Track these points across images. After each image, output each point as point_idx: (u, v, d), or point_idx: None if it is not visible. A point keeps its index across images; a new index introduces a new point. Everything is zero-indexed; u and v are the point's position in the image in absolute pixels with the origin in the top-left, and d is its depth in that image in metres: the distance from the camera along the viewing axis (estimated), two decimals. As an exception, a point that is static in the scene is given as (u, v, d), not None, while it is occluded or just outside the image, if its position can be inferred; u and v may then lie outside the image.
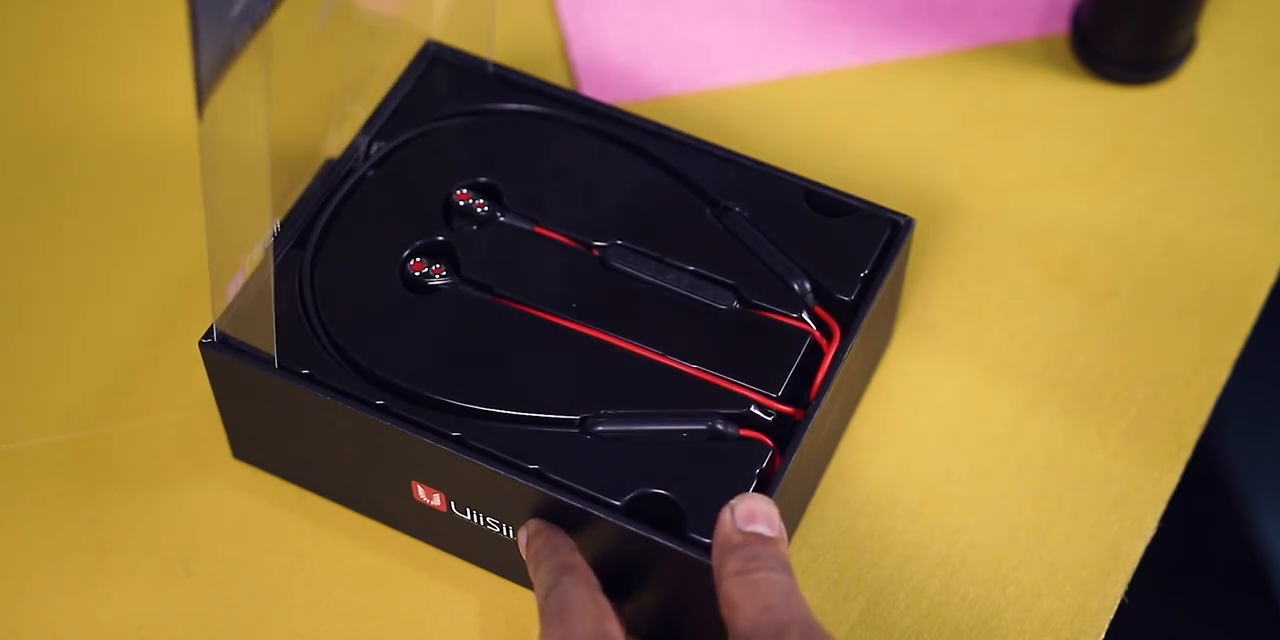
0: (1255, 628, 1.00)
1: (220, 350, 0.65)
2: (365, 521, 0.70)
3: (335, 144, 0.70)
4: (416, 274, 0.67)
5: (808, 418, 0.64)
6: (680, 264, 0.67)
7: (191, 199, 0.78)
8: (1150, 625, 0.97)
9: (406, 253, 0.68)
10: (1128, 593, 0.70)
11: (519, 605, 0.68)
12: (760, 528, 0.58)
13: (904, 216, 0.69)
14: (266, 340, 0.64)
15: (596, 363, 0.65)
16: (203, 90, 0.53)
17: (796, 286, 0.67)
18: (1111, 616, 0.69)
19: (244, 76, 0.55)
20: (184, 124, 0.80)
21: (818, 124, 0.81)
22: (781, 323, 0.66)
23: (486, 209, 0.68)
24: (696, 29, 0.84)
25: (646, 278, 0.67)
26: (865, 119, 0.82)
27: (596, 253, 0.68)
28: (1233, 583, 1.01)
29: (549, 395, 0.64)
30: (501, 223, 0.69)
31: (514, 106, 0.71)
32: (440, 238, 0.68)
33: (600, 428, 0.64)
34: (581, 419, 0.64)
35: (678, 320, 0.66)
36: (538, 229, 0.68)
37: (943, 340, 0.76)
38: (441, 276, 0.67)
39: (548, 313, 0.66)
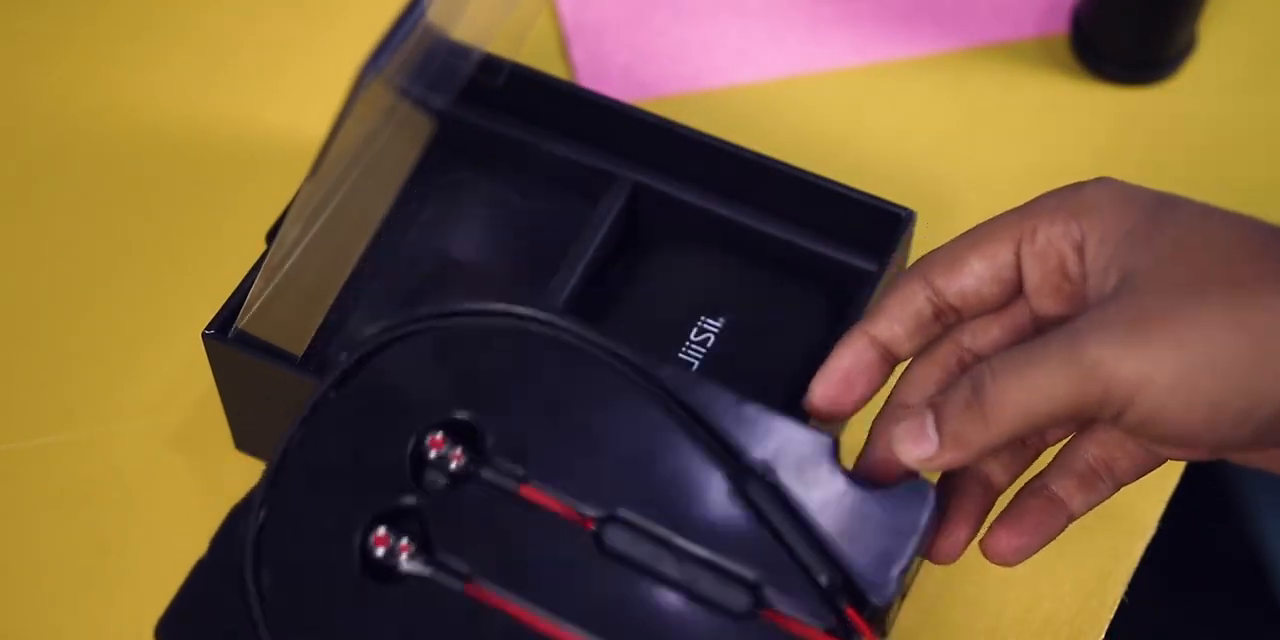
0: (1255, 628, 1.00)
1: (224, 342, 0.65)
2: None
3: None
4: (380, 552, 0.55)
5: None
6: (691, 547, 0.56)
7: (191, 198, 0.78)
8: (1150, 625, 0.97)
9: (368, 523, 0.56)
10: (1128, 593, 0.70)
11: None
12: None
13: (905, 209, 0.69)
14: (293, 339, 0.64)
15: None
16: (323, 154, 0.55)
17: (825, 581, 0.55)
18: (1111, 616, 0.69)
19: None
20: (184, 123, 0.80)
21: (818, 124, 0.81)
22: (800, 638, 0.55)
23: (463, 462, 0.57)
24: (696, 29, 0.84)
25: (650, 567, 0.56)
26: (865, 119, 0.82)
27: (592, 526, 0.56)
28: (1233, 583, 1.01)
29: None
30: (481, 480, 0.57)
31: (503, 308, 0.59)
32: (408, 501, 0.56)
33: None
34: None
35: (682, 630, 0.55)
36: (523, 489, 0.56)
37: (943, 340, 0.75)
38: (409, 557, 0.55)
39: (530, 612, 0.55)
